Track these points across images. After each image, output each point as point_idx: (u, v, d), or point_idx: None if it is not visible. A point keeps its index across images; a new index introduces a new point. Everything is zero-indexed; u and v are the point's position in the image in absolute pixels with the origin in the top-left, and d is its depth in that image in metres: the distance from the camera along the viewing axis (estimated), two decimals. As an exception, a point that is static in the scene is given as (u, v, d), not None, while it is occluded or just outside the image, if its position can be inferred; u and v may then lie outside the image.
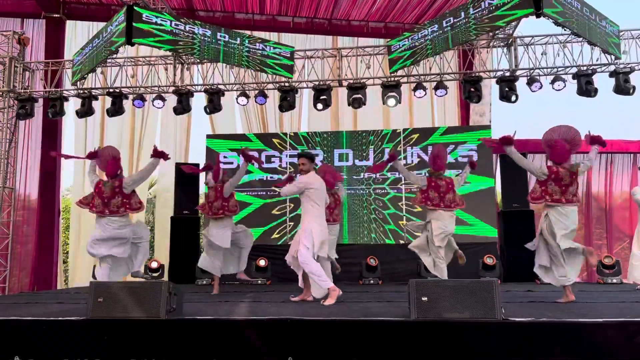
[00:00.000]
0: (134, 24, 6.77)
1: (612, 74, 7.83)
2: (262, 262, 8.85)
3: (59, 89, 8.90)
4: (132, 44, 6.96)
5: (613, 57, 7.63)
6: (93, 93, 8.73)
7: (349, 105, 8.42)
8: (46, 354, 3.76)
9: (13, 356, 3.72)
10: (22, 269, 11.87)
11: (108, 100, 8.80)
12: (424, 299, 3.68)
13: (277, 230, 9.87)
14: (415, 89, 8.32)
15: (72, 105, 9.33)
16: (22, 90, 8.92)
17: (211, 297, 6.15)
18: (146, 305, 3.87)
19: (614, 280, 8.06)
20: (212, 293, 6.60)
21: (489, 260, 8.38)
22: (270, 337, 3.72)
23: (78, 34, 10.74)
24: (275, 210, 9.99)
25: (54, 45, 10.26)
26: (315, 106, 8.41)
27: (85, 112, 8.69)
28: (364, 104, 8.36)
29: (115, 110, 8.64)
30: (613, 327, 3.48)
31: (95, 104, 8.89)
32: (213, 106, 8.51)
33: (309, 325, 3.75)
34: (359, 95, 8.22)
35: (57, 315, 4.20)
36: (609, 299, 5.50)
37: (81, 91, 8.69)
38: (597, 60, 7.88)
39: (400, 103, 8.45)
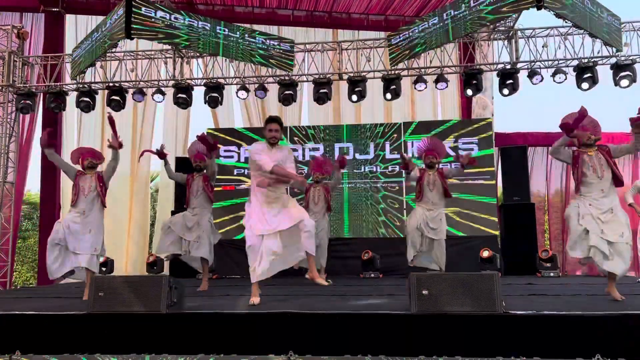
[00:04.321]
0: (132, 18, 6.73)
1: (613, 67, 7.80)
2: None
3: (58, 83, 8.87)
4: (131, 38, 6.91)
5: (614, 49, 7.59)
6: (93, 87, 8.71)
7: (349, 98, 8.41)
8: (47, 348, 3.77)
9: (14, 350, 3.73)
10: (24, 263, 11.92)
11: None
12: (425, 292, 3.68)
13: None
14: (415, 82, 8.30)
15: (72, 100, 9.30)
16: (22, 85, 8.89)
17: (212, 291, 6.16)
18: (147, 299, 3.88)
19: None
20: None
21: (485, 254, 8.38)
22: (270, 331, 3.73)
23: (77, 28, 10.70)
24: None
25: (53, 39, 10.21)
26: (316, 100, 8.38)
27: (85, 106, 8.66)
28: (364, 97, 8.34)
29: (116, 104, 8.61)
30: (614, 320, 3.48)
31: (96, 98, 8.86)
32: (214, 100, 8.49)
33: (309, 319, 3.76)
34: (359, 89, 8.20)
35: (58, 309, 4.21)
36: (622, 292, 5.45)
37: (81, 85, 8.66)
38: (598, 53, 7.84)
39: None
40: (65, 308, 4.25)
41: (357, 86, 8.23)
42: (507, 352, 3.43)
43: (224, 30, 7.53)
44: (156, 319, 3.82)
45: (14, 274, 12.39)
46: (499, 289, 3.62)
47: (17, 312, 4.03)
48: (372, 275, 8.59)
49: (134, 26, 6.70)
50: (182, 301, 4.12)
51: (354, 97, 8.30)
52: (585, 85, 7.78)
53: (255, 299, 4.38)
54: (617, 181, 4.82)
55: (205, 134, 6.28)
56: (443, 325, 3.59)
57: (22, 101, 8.71)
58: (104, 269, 9.02)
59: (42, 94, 9.18)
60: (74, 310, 4.02)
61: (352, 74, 8.38)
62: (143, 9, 6.84)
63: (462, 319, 3.58)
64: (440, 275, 3.84)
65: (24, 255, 15.26)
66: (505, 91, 8.00)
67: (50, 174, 10.12)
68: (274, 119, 4.60)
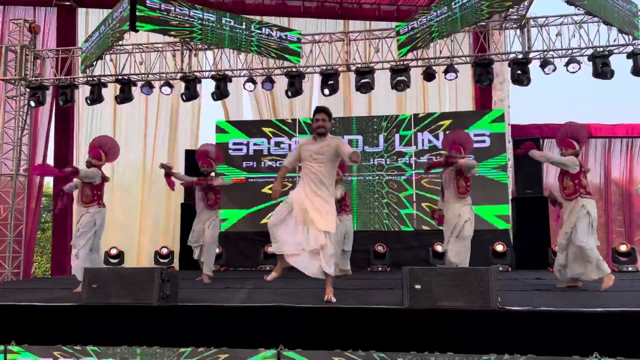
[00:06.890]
0: (138, 10, 6.73)
1: (630, 55, 7.53)
2: (270, 249, 8.81)
3: (69, 77, 8.94)
4: (136, 31, 6.93)
5: (631, 37, 7.34)
6: (102, 80, 8.76)
7: (357, 90, 8.30)
8: (41, 339, 3.80)
9: (9, 341, 3.76)
10: (43, 254, 12.09)
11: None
12: (417, 286, 3.61)
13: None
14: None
15: (84, 93, 9.38)
16: (34, 79, 8.99)
17: (213, 284, 6.20)
18: (139, 291, 3.88)
19: (630, 268, 7.84)
20: None
21: (499, 248, 8.23)
22: (261, 324, 3.70)
23: (89, 21, 10.76)
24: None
25: (65, 32, 10.30)
26: (322, 92, 8.30)
27: (94, 99, 8.72)
28: (372, 89, 8.22)
29: (124, 97, 8.66)
30: (612, 317, 3.36)
31: (107, 91, 8.92)
32: (220, 92, 8.47)
33: (300, 313, 3.72)
34: (367, 80, 8.07)
35: (55, 300, 4.24)
36: (621, 287, 5.31)
37: (90, 78, 8.72)
38: (614, 41, 7.58)
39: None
40: (61, 299, 4.28)
41: (364, 77, 8.11)
42: (501, 348, 3.33)
43: (230, 22, 7.50)
44: (148, 311, 3.82)
45: (34, 264, 12.61)
46: (494, 283, 3.52)
47: (12, 303, 4.08)
48: (381, 268, 8.51)
49: (140, 19, 6.73)
50: (175, 294, 4.11)
51: (362, 89, 8.18)
52: (608, 73, 7.49)
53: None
54: None
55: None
56: (436, 320, 3.52)
57: (34, 94, 8.82)
58: (115, 260, 9.13)
59: (53, 87, 9.27)
60: (70, 302, 4.04)
61: (360, 65, 8.26)
62: (148, 1, 6.85)
63: (455, 314, 3.50)
64: (434, 269, 3.76)
65: (43, 247, 15.53)
66: (526, 81, 7.76)
67: (62, 166, 10.21)
68: (320, 109, 4.44)
